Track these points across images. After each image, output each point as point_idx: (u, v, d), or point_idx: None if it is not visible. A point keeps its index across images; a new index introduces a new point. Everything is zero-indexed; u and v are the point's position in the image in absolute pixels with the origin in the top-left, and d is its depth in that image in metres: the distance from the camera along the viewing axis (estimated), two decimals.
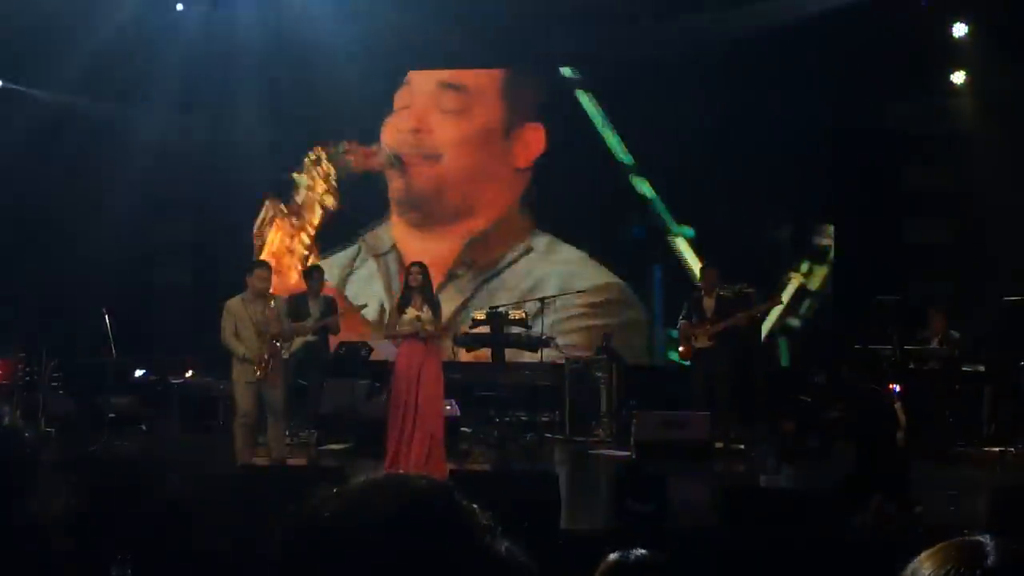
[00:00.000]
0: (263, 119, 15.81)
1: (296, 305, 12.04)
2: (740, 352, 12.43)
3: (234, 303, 10.09)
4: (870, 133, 13.96)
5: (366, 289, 15.75)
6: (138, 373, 13.99)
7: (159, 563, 3.71)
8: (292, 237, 16.28)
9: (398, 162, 15.84)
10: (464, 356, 13.61)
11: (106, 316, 12.22)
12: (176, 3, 14.97)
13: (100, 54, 13.86)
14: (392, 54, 15.21)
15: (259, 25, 14.72)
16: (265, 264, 10.91)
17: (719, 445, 11.71)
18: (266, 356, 9.88)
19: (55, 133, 14.27)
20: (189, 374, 13.96)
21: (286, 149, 16.10)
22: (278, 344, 10.04)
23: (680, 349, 12.35)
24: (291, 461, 10.64)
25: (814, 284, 14.64)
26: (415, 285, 10.04)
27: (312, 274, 12.64)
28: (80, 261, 14.43)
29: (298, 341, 11.89)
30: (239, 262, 15.37)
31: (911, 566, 1.30)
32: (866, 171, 14.01)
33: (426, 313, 9.96)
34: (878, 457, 7.94)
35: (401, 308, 10.13)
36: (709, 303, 12.15)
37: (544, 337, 12.97)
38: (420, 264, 10.39)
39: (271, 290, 10.38)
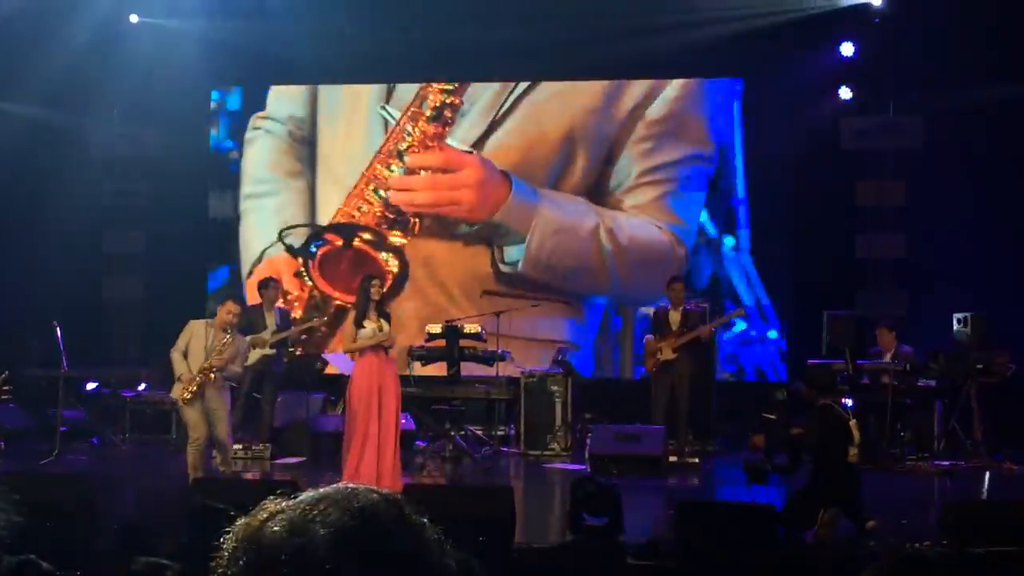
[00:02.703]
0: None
1: (251, 317, 11.99)
2: (699, 364, 12.50)
3: (197, 323, 9.99)
4: (825, 149, 14.02)
5: None
6: (90, 386, 13.85)
7: None
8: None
9: None
10: (419, 369, 13.55)
11: (57, 329, 12.10)
12: (129, 15, 14.83)
13: (51, 65, 13.72)
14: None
15: (212, 37, 14.61)
16: (238, 302, 10.57)
17: (673, 459, 11.76)
18: (197, 380, 9.67)
19: (5, 144, 14.10)
20: (141, 387, 13.82)
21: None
22: (213, 376, 9.71)
23: (647, 364, 12.39)
24: (245, 475, 10.55)
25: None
26: (376, 298, 9.92)
27: (268, 284, 12.58)
28: (31, 273, 14.27)
29: (255, 354, 11.81)
30: (191, 276, 15.30)
31: None
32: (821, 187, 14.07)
33: (383, 325, 9.86)
34: (831, 471, 7.99)
35: (359, 322, 9.99)
36: (676, 316, 12.26)
37: (500, 351, 12.97)
38: (380, 277, 10.36)
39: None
